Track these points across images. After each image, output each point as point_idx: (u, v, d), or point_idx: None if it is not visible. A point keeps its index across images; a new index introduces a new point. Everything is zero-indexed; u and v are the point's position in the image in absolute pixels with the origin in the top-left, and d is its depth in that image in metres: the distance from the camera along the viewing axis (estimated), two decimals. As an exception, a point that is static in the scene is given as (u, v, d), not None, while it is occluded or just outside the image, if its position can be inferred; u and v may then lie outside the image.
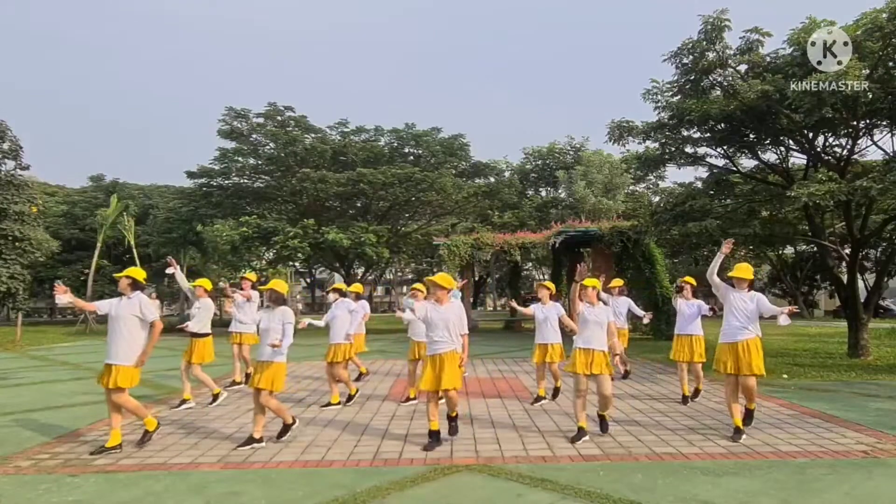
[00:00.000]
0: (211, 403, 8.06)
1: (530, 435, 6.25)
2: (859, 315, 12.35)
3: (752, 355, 6.03)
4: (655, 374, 10.63)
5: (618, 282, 10.39)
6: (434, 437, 5.87)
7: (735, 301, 6.19)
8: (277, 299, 6.15)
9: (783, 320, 5.99)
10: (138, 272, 6.14)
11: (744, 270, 6.29)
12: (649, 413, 7.31)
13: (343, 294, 8.65)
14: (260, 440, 5.93)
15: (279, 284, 6.21)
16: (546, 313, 7.82)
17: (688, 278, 8.46)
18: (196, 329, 8.11)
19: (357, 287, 9.58)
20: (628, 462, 5.30)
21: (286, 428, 6.16)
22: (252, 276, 10.32)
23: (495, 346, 16.36)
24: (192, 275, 35.25)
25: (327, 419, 7.10)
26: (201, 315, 8.19)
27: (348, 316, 8.26)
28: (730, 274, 6.46)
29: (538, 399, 8.02)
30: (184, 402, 8.00)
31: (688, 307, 8.00)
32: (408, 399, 8.11)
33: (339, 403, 7.96)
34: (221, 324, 16.00)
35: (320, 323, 7.96)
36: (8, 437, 6.39)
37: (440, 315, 5.92)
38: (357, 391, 8.33)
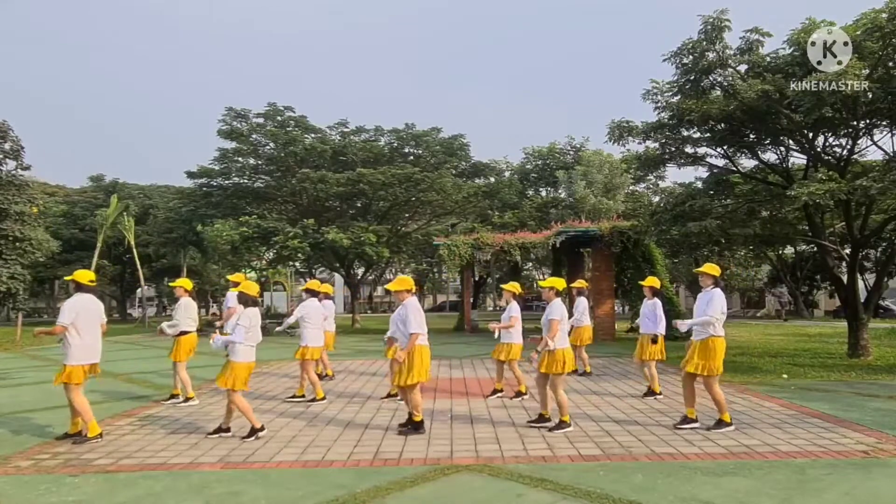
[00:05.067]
0: (168, 400, 8.20)
1: (530, 435, 6.25)
2: (859, 315, 12.34)
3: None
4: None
5: (581, 283, 11.21)
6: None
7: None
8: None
9: None
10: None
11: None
12: (649, 413, 7.31)
13: (315, 294, 8.67)
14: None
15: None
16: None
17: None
18: (173, 332, 8.10)
19: (327, 288, 9.63)
20: (628, 462, 5.30)
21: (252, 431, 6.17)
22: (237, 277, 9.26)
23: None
24: (192, 274, 35.29)
25: (327, 419, 7.11)
26: (179, 314, 8.17)
27: (321, 317, 8.49)
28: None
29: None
30: (188, 399, 8.09)
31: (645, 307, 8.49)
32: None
33: (308, 398, 8.19)
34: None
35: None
36: (8, 437, 6.39)
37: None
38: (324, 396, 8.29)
